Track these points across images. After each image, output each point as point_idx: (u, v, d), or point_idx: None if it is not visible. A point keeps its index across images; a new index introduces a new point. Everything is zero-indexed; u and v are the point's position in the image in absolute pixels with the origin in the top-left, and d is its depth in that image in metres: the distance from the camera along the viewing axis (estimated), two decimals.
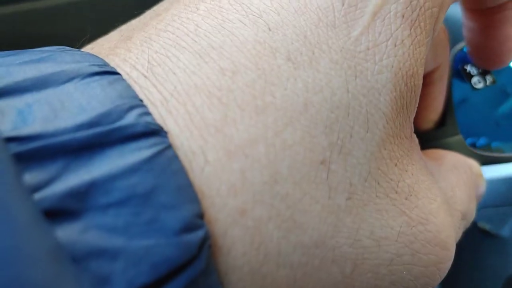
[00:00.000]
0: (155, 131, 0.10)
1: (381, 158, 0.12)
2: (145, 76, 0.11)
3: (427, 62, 0.21)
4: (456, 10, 0.21)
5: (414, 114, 0.13)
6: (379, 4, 0.12)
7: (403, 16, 0.12)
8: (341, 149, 0.11)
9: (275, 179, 0.11)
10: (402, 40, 0.12)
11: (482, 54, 0.20)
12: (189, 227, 0.10)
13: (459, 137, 0.23)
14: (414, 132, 0.23)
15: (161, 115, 0.11)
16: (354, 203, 0.11)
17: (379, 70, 0.12)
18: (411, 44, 0.12)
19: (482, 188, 0.18)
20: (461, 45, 0.24)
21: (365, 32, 0.12)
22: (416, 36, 0.12)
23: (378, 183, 0.12)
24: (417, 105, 0.13)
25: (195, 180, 0.10)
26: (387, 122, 0.12)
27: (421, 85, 0.13)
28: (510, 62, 0.20)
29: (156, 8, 0.15)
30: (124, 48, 0.12)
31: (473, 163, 0.18)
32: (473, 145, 0.25)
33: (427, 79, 0.21)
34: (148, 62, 0.11)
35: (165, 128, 0.10)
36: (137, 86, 0.11)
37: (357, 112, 0.11)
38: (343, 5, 0.12)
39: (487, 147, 0.25)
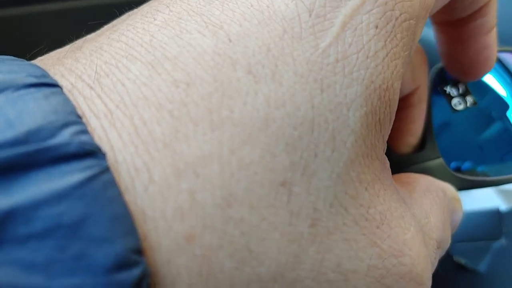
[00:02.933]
0: (91, 152, 0.09)
1: (349, 181, 0.11)
2: (91, 87, 0.10)
3: (405, 84, 0.20)
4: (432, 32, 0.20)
5: (389, 132, 0.12)
6: (350, 14, 0.11)
7: (376, 27, 0.11)
8: (304, 170, 0.10)
9: (229, 202, 0.10)
10: (376, 52, 0.11)
11: (458, 67, 0.19)
12: (123, 264, 0.08)
13: (439, 161, 0.23)
14: (393, 156, 0.22)
15: (104, 128, 0.10)
16: (319, 231, 0.10)
17: (348, 83, 0.11)
18: (386, 56, 0.11)
19: (459, 214, 0.17)
20: (439, 66, 0.24)
21: (334, 43, 0.11)
22: (391, 48, 0.11)
23: (346, 209, 0.11)
24: (392, 123, 0.12)
25: (137, 201, 0.09)
26: (356, 141, 0.11)
27: (397, 100, 0.12)
28: (488, 73, 0.19)
29: (115, 21, 0.14)
30: (72, 58, 0.11)
31: (447, 186, 0.17)
32: (458, 169, 0.24)
33: (406, 102, 0.21)
34: (96, 72, 0.11)
35: (107, 143, 0.09)
36: (81, 97, 0.10)
37: (322, 129, 0.10)
38: (310, 16, 0.11)
39: (472, 171, 0.24)
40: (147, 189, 0.09)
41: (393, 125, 0.12)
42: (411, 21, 0.12)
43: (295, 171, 0.10)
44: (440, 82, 0.24)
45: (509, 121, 0.25)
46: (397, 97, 0.12)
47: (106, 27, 0.13)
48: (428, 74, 0.22)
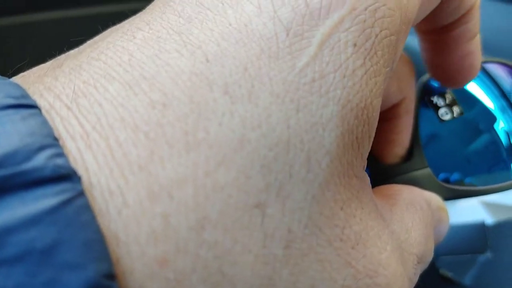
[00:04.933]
0: (65, 176, 0.09)
1: (324, 202, 0.11)
2: (68, 107, 0.10)
3: (392, 95, 0.20)
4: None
5: (369, 149, 0.12)
6: (327, 32, 0.11)
7: (355, 45, 0.11)
8: (279, 191, 0.10)
9: (203, 225, 0.10)
10: (353, 70, 0.11)
11: (443, 74, 0.19)
12: None
13: (427, 170, 0.23)
14: (380, 166, 0.22)
15: (79, 150, 0.10)
16: (293, 253, 0.10)
17: (324, 103, 0.11)
18: (364, 74, 0.11)
19: (445, 223, 0.17)
20: (426, 76, 0.24)
21: (311, 63, 0.11)
22: (371, 66, 0.11)
23: (320, 230, 0.11)
24: (372, 140, 0.12)
25: (110, 225, 0.09)
26: (331, 161, 0.11)
27: (377, 117, 0.12)
28: (473, 81, 0.19)
29: (97, 37, 0.14)
30: (52, 76, 0.11)
31: (432, 196, 0.16)
32: (447, 180, 0.24)
33: (393, 112, 0.21)
34: (74, 92, 0.11)
35: (82, 165, 0.09)
36: (58, 118, 0.10)
37: (298, 150, 0.10)
38: (287, 35, 0.11)
39: (460, 183, 0.24)
40: (121, 213, 0.09)
41: (380, 136, 0.12)
42: (392, 37, 0.12)
43: (269, 193, 0.10)
44: (427, 92, 0.24)
45: (496, 133, 0.25)
46: (376, 115, 0.12)
47: (88, 43, 0.13)
48: (415, 84, 0.22)
